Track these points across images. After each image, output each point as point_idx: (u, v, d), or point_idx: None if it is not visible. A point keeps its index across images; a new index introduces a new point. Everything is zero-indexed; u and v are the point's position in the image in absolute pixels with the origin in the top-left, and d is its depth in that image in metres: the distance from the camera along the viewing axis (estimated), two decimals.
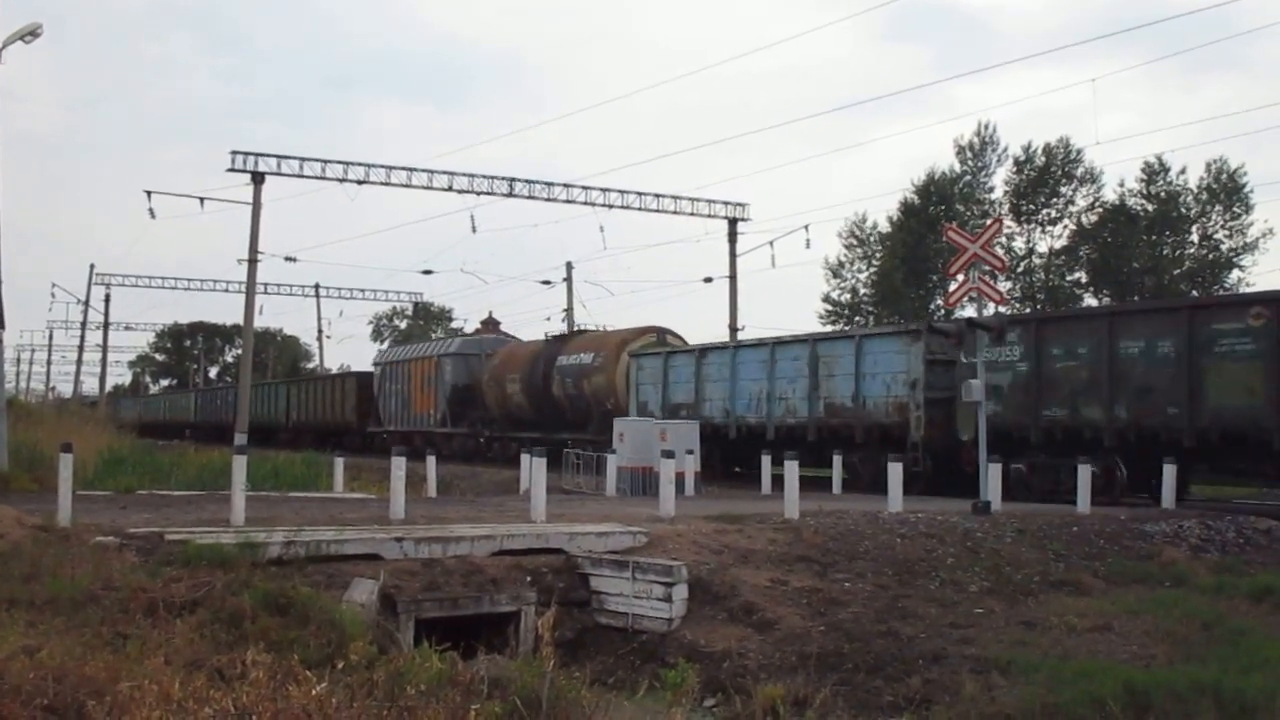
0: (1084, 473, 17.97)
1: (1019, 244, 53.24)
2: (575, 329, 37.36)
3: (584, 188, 42.71)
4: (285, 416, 57.13)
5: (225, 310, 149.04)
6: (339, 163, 40.04)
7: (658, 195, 43.60)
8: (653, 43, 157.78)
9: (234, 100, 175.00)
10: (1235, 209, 49.67)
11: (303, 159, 39.58)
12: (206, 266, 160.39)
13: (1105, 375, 19.50)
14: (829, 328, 52.83)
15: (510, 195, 41.91)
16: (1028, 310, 46.71)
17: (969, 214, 52.27)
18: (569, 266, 53.72)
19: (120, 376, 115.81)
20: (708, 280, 46.86)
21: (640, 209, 43.54)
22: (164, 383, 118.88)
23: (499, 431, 38.57)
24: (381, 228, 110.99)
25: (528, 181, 42.21)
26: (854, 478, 23.95)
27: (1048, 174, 52.43)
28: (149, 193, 42.17)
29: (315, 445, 45.28)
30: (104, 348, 74.52)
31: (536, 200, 42.50)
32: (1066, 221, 52.71)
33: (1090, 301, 50.02)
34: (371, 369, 49.46)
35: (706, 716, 10.28)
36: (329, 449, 35.66)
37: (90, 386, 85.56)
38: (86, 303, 67.43)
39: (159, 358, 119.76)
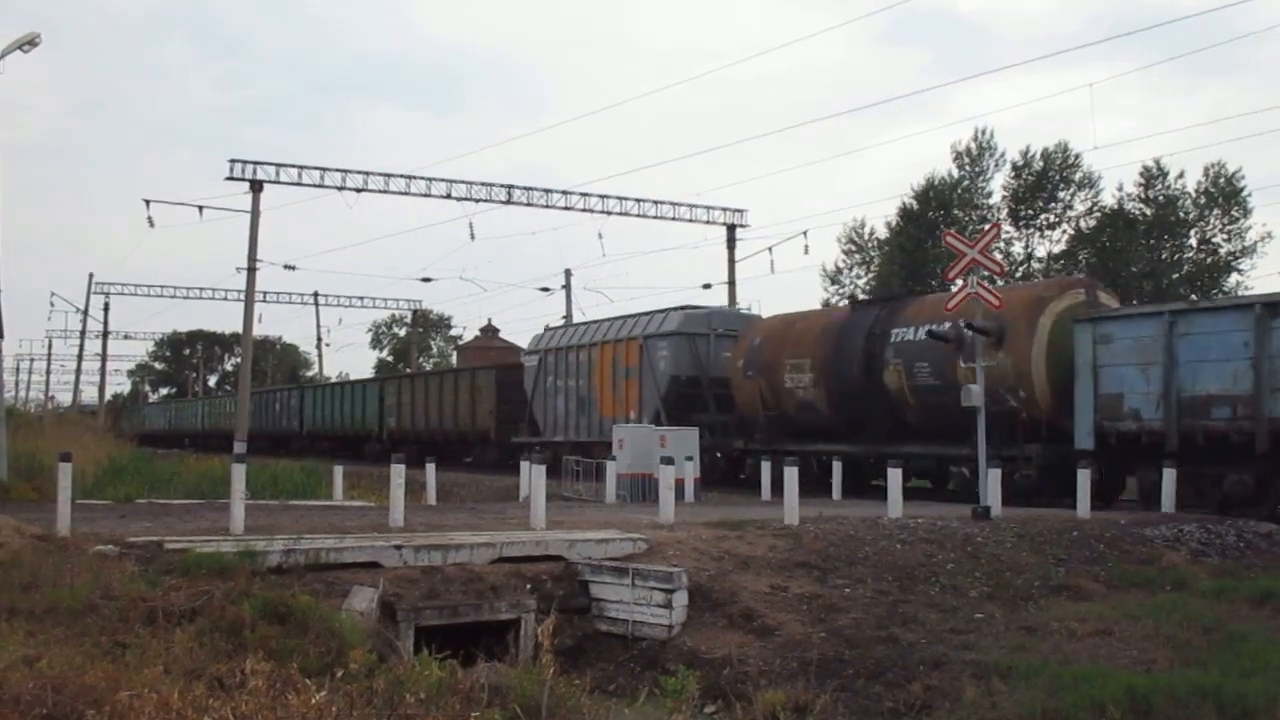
0: (1083, 476, 17.95)
1: (1017, 249, 53.28)
2: (907, 288, 28.59)
3: (582, 194, 42.85)
4: (379, 424, 45.63)
5: (224, 318, 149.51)
6: (337, 170, 40.21)
7: (656, 202, 43.78)
8: (651, 49, 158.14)
9: (232, 106, 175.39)
10: (1233, 213, 49.74)
11: (301, 167, 39.75)
12: (205, 274, 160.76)
13: None
14: None
15: (509, 202, 42.03)
16: None
17: (967, 219, 52.30)
18: (568, 273, 53.87)
19: (119, 385, 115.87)
20: (707, 286, 47.03)
21: (639, 215, 43.70)
22: (163, 391, 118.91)
23: (766, 442, 26.33)
24: (380, 235, 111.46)
25: (526, 188, 42.39)
26: None
27: (1046, 179, 52.47)
28: (148, 201, 42.33)
29: (430, 460, 37.40)
30: (103, 356, 74.53)
31: (535, 207, 42.72)
32: (1065, 226, 52.77)
33: None
34: (522, 360, 37.29)
35: None
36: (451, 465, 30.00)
37: (89, 395, 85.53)
38: (85, 312, 67.62)
39: (158, 366, 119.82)
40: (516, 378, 36.37)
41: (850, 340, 24.97)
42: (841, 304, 29.00)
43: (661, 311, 31.33)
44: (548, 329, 36.05)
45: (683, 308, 31.42)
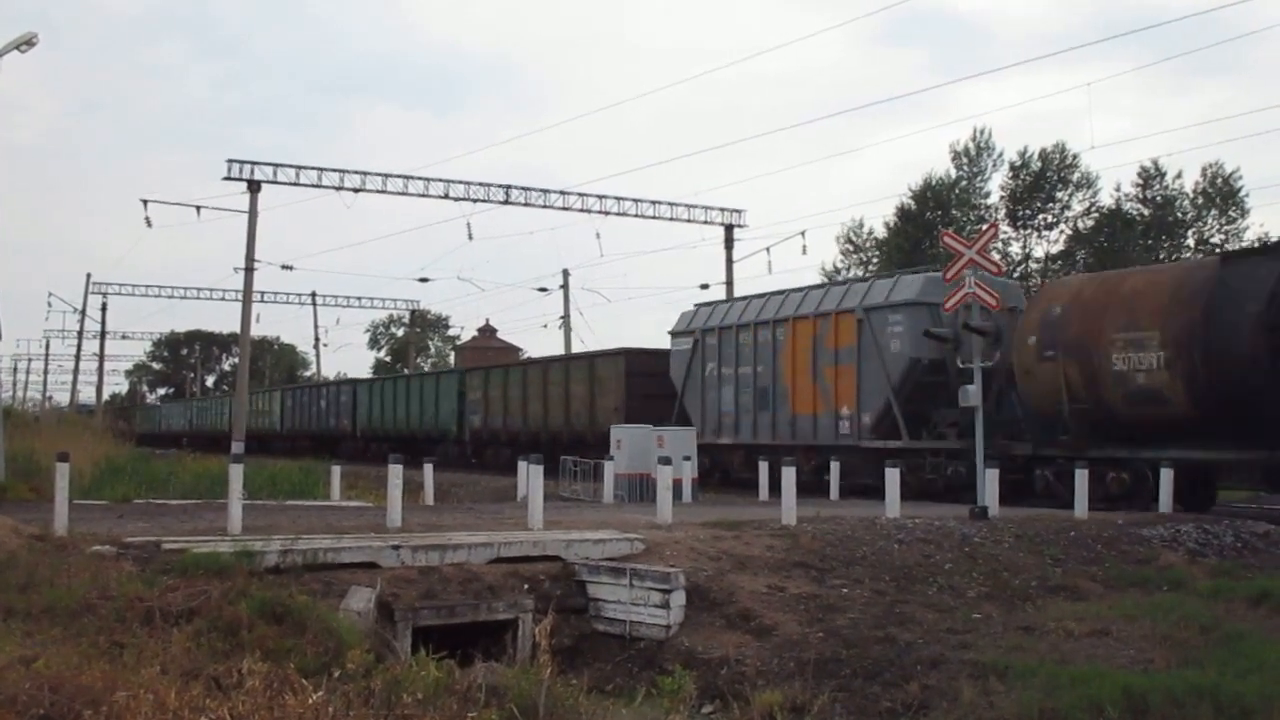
0: (1081, 477, 17.96)
1: (1015, 249, 53.39)
2: None
3: (580, 194, 42.94)
4: (457, 423, 38.94)
5: (222, 318, 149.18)
6: (335, 170, 40.27)
7: (654, 202, 43.86)
8: (649, 49, 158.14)
9: (230, 106, 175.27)
10: (1231, 213, 49.90)
11: (299, 167, 39.82)
12: (203, 275, 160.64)
13: None
14: None
15: (506, 202, 42.08)
16: None
17: (965, 219, 52.37)
18: (565, 274, 53.88)
19: (117, 385, 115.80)
20: (704, 287, 47.14)
21: (637, 216, 43.77)
22: (161, 391, 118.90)
23: (1075, 447, 20.23)
24: (378, 235, 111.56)
25: (524, 189, 42.47)
26: None
27: (1044, 179, 52.55)
28: (145, 201, 42.36)
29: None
30: (100, 356, 74.50)
31: (533, 207, 42.82)
32: (1063, 226, 52.89)
33: None
34: (670, 344, 29.85)
35: None
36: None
37: (87, 395, 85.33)
38: (83, 312, 67.63)
39: (156, 366, 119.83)
40: (652, 366, 30.36)
41: (1232, 305, 18.44)
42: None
43: (887, 276, 24.99)
44: (701, 305, 29.62)
45: (919, 270, 25.34)
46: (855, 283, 25.79)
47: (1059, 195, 52.75)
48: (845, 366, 24.11)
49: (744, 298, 29.01)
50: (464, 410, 38.53)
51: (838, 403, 24.26)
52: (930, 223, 52.36)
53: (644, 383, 30.06)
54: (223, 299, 67.68)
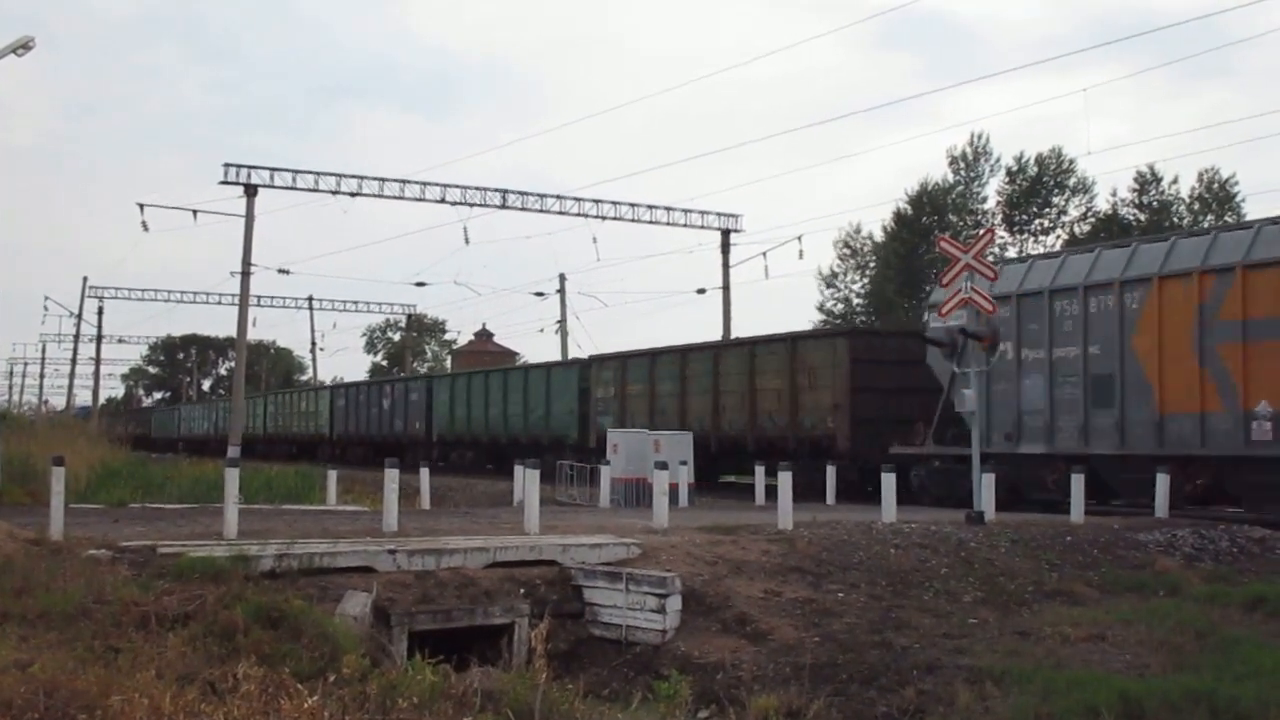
0: (1077, 482, 17.95)
1: (1011, 254, 53.47)
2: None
3: (576, 199, 42.98)
4: (578, 427, 32.38)
5: (218, 323, 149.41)
6: (331, 175, 40.29)
7: (650, 206, 43.91)
8: (645, 53, 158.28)
9: (226, 110, 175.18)
10: (1227, 218, 49.98)
11: (295, 171, 39.85)
12: (199, 279, 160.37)
13: None
14: None
15: (503, 207, 42.12)
16: None
17: (962, 224, 52.47)
18: (562, 278, 53.86)
19: (113, 389, 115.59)
20: (701, 291, 47.24)
21: (633, 220, 43.83)
22: (156, 396, 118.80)
23: None
24: (374, 240, 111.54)
25: (520, 193, 42.47)
26: None
27: (1040, 184, 52.67)
28: (142, 205, 42.33)
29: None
30: (97, 360, 74.41)
31: (529, 212, 42.82)
32: (1059, 231, 52.99)
33: None
34: (926, 321, 23.74)
35: None
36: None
37: (84, 399, 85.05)
38: (79, 316, 67.61)
39: (152, 370, 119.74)
40: (886, 351, 24.59)
41: None
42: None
43: None
44: (1047, 252, 22.63)
45: None
46: (1268, 224, 18.63)
47: (1055, 200, 52.92)
48: (1262, 344, 17.49)
49: (1054, 253, 22.74)
50: (588, 411, 31.97)
51: (1247, 397, 17.72)
52: (927, 228, 52.44)
53: (876, 372, 24.12)
54: (219, 303, 67.59)
